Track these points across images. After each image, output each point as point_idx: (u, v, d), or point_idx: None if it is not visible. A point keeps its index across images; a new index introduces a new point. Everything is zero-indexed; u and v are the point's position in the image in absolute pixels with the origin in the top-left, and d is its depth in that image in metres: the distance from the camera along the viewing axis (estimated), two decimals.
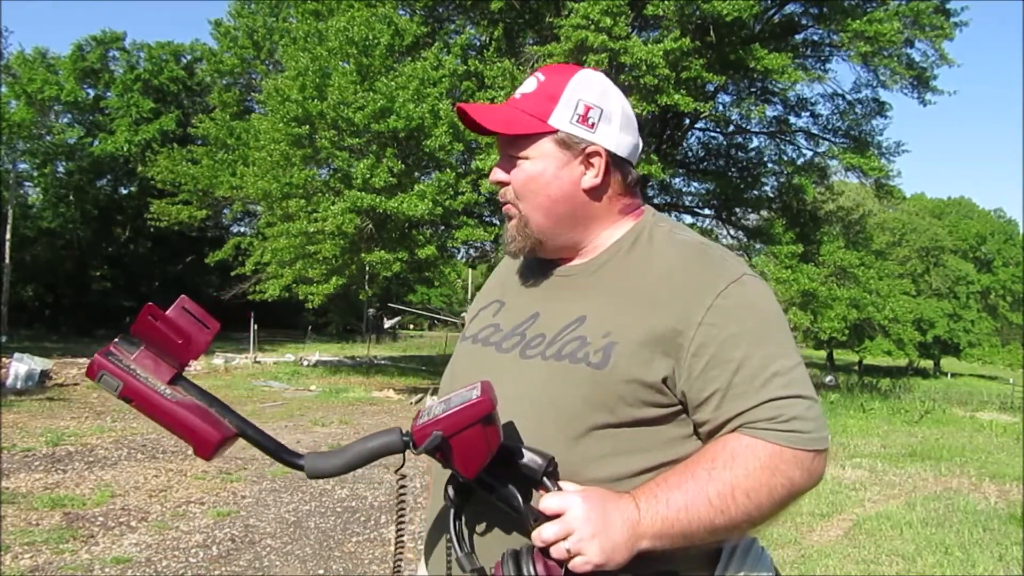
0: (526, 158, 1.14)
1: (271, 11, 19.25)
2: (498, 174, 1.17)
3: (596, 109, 1.13)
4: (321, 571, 4.10)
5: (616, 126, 1.14)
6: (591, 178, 1.14)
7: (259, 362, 17.65)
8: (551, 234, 1.16)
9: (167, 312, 0.99)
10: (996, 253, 47.23)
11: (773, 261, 15.02)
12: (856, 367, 37.70)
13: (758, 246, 16.97)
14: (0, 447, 6.56)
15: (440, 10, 15.44)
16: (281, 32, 17.41)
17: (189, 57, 28.60)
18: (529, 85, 1.17)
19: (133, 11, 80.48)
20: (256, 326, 19.15)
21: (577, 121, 1.12)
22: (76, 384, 11.56)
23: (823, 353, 35.79)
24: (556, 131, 1.12)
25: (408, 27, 13.52)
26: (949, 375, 42.08)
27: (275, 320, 27.78)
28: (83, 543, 4.27)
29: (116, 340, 1.00)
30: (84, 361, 14.51)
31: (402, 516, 1.11)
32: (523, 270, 1.25)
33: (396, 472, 1.07)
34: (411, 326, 42.89)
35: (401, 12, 14.32)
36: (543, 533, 0.97)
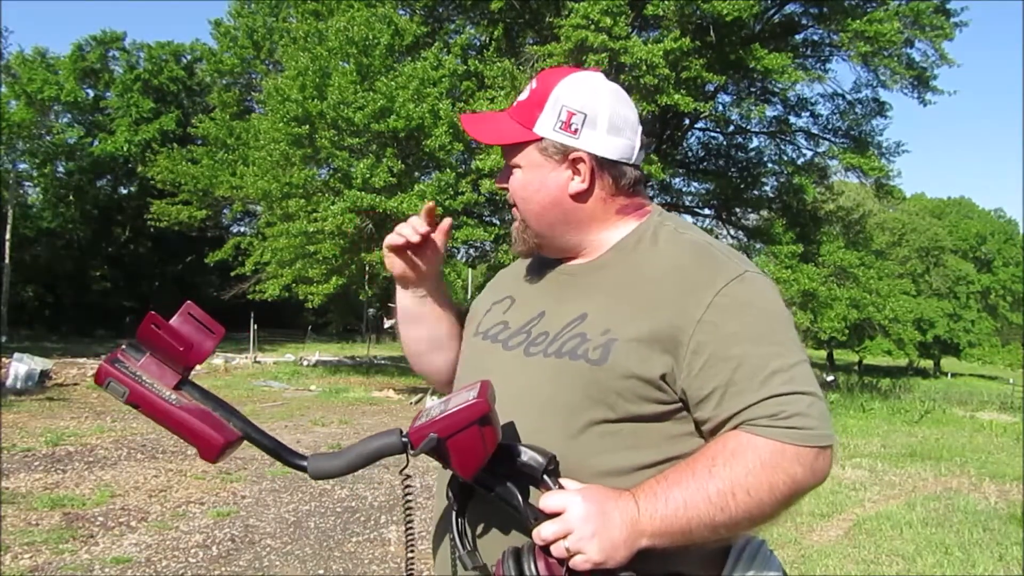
0: (518, 166, 1.18)
1: (271, 11, 19.23)
2: (500, 181, 1.23)
3: (579, 115, 1.13)
4: (321, 571, 4.09)
5: (602, 130, 1.14)
6: (577, 184, 1.15)
7: (259, 362, 17.65)
8: (548, 237, 1.19)
9: (172, 319, 1.04)
10: (996, 253, 47.19)
11: (773, 261, 15.01)
12: (856, 367, 37.65)
13: (758, 246, 16.96)
14: (0, 447, 6.56)
15: (440, 10, 15.47)
16: (281, 32, 17.40)
17: (189, 57, 28.58)
18: (525, 92, 1.19)
19: (133, 11, 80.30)
20: (256, 326, 19.15)
21: (560, 128, 1.13)
22: (76, 384, 11.56)
23: (823, 353, 35.79)
24: (540, 139, 1.15)
25: (408, 27, 13.54)
26: (949, 375, 42.05)
27: (275, 320, 27.73)
28: (83, 543, 4.26)
29: (123, 347, 1.03)
30: (84, 361, 14.52)
31: (410, 517, 1.13)
32: (532, 267, 1.27)
33: (400, 472, 1.08)
34: None
35: (401, 12, 14.33)
36: (542, 531, 0.98)
